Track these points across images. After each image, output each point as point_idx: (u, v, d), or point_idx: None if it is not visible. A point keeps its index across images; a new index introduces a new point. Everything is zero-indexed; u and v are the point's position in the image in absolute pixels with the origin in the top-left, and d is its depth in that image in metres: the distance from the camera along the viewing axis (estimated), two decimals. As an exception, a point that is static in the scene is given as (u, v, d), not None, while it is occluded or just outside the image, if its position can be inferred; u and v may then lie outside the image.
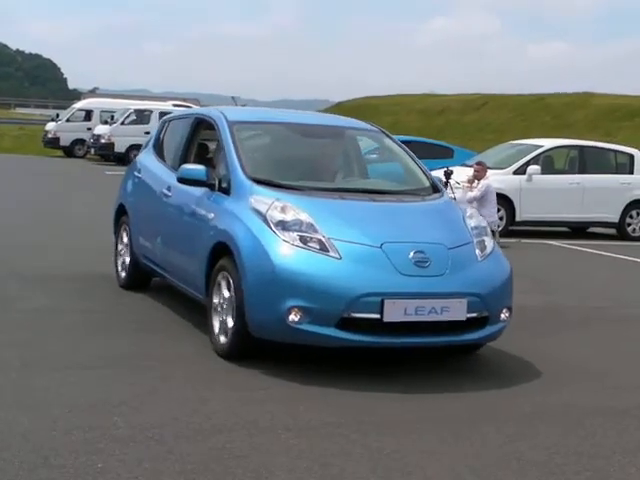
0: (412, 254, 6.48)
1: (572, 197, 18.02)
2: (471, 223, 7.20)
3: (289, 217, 6.62)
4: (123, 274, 9.44)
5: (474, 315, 6.59)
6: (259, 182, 7.12)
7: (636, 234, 18.61)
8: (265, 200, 6.82)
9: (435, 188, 7.78)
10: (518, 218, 17.16)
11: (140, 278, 9.25)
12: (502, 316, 6.88)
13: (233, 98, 12.07)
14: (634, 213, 18.66)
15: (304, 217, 6.63)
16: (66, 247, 12.19)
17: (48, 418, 5.22)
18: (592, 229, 19.13)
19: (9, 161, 32.33)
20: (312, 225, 6.57)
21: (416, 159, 8.33)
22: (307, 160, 8.06)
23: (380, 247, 6.50)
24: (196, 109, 9.28)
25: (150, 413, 5.50)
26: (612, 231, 18.84)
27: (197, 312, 7.93)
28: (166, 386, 6.13)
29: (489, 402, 6.29)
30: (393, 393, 6.25)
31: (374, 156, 10.49)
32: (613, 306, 10.65)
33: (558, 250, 16.29)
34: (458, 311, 6.49)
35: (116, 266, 9.63)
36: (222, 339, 6.87)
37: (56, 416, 5.26)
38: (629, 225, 18.65)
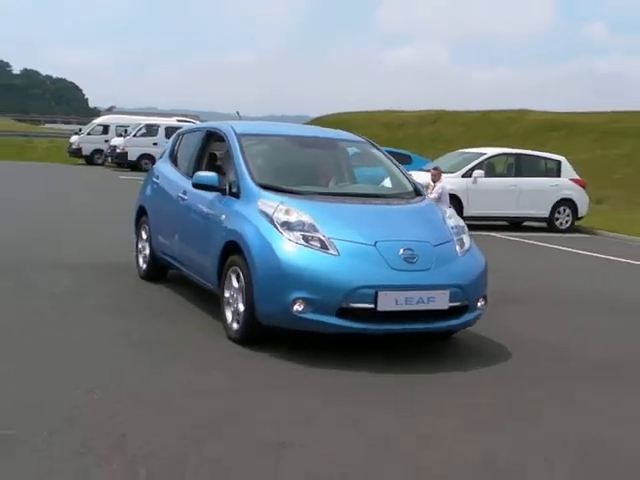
0: (402, 251, 6.09)
1: (510, 196, 18.00)
2: (451, 223, 6.81)
3: (293, 218, 6.22)
4: (143, 266, 8.96)
5: (456, 304, 6.22)
6: (265, 187, 6.71)
7: (563, 227, 18.61)
8: (271, 203, 6.41)
9: (417, 192, 7.35)
10: (465, 214, 16.80)
11: (158, 270, 8.77)
12: (479, 304, 6.49)
13: (237, 113, 11.64)
14: (561, 209, 18.64)
15: (306, 218, 6.22)
16: (86, 239, 11.93)
17: (74, 384, 5.14)
18: (526, 223, 19.02)
19: (40, 168, 32.16)
20: (313, 225, 6.17)
21: (400, 166, 7.93)
22: (305, 167, 7.63)
23: (374, 245, 6.10)
24: (207, 123, 8.72)
25: (161, 379, 5.41)
26: (543, 225, 18.72)
27: (208, 300, 7.52)
28: (176, 359, 5.94)
29: (462, 371, 6.08)
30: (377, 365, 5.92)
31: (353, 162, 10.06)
32: (546, 287, 10.46)
33: (499, 241, 16.07)
34: (442, 301, 6.11)
35: (137, 259, 9.17)
36: (234, 326, 6.47)
37: (81, 382, 5.18)
38: (557, 219, 18.64)
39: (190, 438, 4.34)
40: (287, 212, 6.25)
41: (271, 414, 4.83)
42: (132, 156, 32.82)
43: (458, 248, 6.49)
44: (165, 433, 4.38)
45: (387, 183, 7.98)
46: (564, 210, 18.57)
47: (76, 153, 37.24)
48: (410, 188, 7.39)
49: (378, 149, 8.13)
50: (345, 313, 5.90)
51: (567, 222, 18.59)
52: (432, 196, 13.97)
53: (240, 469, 4.01)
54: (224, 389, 5.27)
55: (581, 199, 18.73)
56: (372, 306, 5.87)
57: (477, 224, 16.98)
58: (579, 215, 18.72)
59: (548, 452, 4.50)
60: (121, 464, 3.93)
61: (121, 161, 33.38)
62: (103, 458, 3.98)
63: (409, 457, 4.33)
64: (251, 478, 3.94)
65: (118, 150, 33.32)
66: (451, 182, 16.51)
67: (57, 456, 3.97)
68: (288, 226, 6.15)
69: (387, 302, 5.90)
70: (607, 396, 5.71)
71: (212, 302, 7.22)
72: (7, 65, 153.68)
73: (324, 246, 6.04)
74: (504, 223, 18.53)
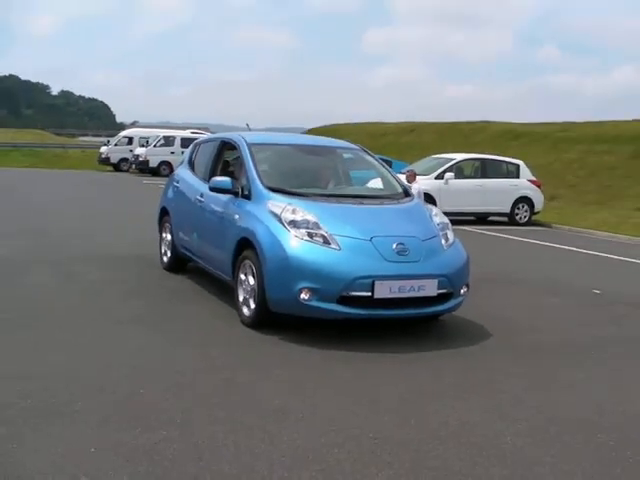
0: (395, 245, 5.85)
1: (476, 195, 17.74)
2: (437, 220, 6.56)
3: (299, 217, 5.96)
4: (165, 259, 8.68)
5: (442, 291, 5.99)
6: (273, 190, 6.44)
7: (522, 221, 18.35)
8: (279, 204, 6.15)
9: (406, 193, 7.06)
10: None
11: (179, 263, 8.47)
12: (462, 291, 6.26)
13: (247, 125, 11.43)
14: (520, 206, 18.39)
15: (310, 217, 5.96)
16: (113, 234, 11.79)
17: (104, 359, 5.07)
18: (491, 218, 18.71)
19: (75, 174, 32.10)
20: (317, 223, 5.92)
21: (390, 170, 7.66)
22: (308, 172, 7.33)
23: (370, 240, 5.85)
24: (221, 134, 8.45)
25: (176, 356, 5.24)
26: (505, 219, 18.44)
27: (223, 289, 7.27)
28: (189, 337, 5.82)
29: (443, 349, 5.76)
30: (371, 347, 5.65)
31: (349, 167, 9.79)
32: (509, 272, 10.32)
33: (468, 234, 15.69)
34: (431, 289, 5.88)
35: (160, 253, 8.87)
36: (246, 312, 6.20)
37: (109, 357, 5.11)
38: (517, 215, 18.38)
39: (202, 405, 4.24)
40: (293, 212, 6.00)
41: (273, 384, 4.70)
42: (153, 163, 32.50)
43: (443, 242, 6.26)
44: (181, 401, 4.30)
45: (372, 184, 7.75)
46: (523, 206, 18.34)
47: (105, 161, 36.84)
48: (400, 189, 7.12)
49: (370, 155, 7.85)
50: (345, 301, 5.67)
51: (525, 217, 18.37)
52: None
53: (248, 429, 3.93)
54: (232, 365, 5.08)
55: (537, 197, 18.52)
56: (369, 294, 5.64)
57: (449, 219, 16.87)
58: (535, 211, 18.50)
59: (514, 414, 4.38)
60: (143, 428, 3.85)
61: (143, 168, 32.97)
62: (129, 423, 3.91)
63: (395, 418, 4.24)
64: (258, 436, 3.83)
65: (141, 158, 32.99)
66: (425, 183, 16.35)
67: (90, 421, 3.93)
68: (295, 224, 5.90)
69: (383, 290, 5.66)
70: (557, 367, 5.56)
71: (227, 291, 6.96)
72: (47, 87, 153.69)
73: (327, 241, 5.79)
74: (472, 218, 18.22)
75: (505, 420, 4.30)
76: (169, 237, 8.50)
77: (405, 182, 14.05)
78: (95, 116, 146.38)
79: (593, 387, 5.12)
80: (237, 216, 6.52)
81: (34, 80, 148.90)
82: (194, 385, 4.60)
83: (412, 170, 15.52)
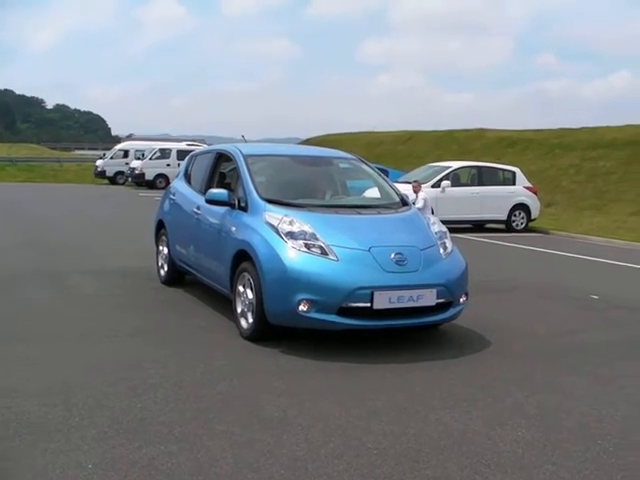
0: (393, 255, 5.83)
1: (473, 203, 17.74)
2: (435, 229, 6.55)
3: (296, 228, 5.94)
4: (162, 272, 8.66)
5: (441, 301, 5.97)
6: (270, 201, 6.41)
7: (518, 228, 18.32)
8: (276, 216, 6.12)
9: (404, 202, 7.06)
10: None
11: (176, 276, 8.44)
12: (461, 300, 6.24)
13: (243, 137, 11.35)
14: (517, 213, 18.37)
15: (307, 228, 5.94)
16: (110, 248, 11.80)
17: (101, 373, 5.05)
18: (488, 225, 18.70)
19: (71, 188, 32.00)
20: (314, 234, 5.89)
21: (387, 180, 7.67)
22: (305, 183, 7.30)
23: (368, 250, 5.83)
24: (217, 146, 8.43)
25: (174, 367, 5.25)
26: (502, 226, 18.43)
27: (220, 302, 7.23)
28: (187, 349, 5.79)
29: (442, 358, 5.70)
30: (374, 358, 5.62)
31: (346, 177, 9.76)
32: (507, 279, 10.39)
33: (466, 241, 15.67)
34: (429, 298, 5.86)
35: (157, 267, 8.85)
36: (245, 325, 6.18)
37: (107, 371, 5.09)
38: (513, 221, 18.37)
39: (201, 419, 4.23)
40: (290, 223, 5.97)
41: (272, 397, 4.68)
42: (149, 176, 32.38)
43: (442, 251, 6.24)
44: (179, 415, 4.29)
45: (369, 193, 7.72)
46: (519, 213, 18.32)
47: (101, 175, 36.71)
48: (397, 199, 7.11)
49: (367, 165, 7.83)
50: (345, 312, 5.63)
51: (522, 223, 18.35)
52: (418, 205, 13.74)
53: (247, 442, 3.90)
54: (231, 378, 5.05)
55: (533, 204, 18.52)
56: (369, 305, 5.62)
57: (446, 227, 16.89)
58: (532, 217, 18.49)
59: (513, 422, 4.38)
60: (142, 443, 3.82)
61: (139, 181, 32.89)
62: (127, 438, 3.87)
63: (395, 428, 4.21)
64: (257, 449, 3.82)
65: (137, 171, 32.90)
66: (424, 191, 16.32)
67: (87, 436, 3.90)
68: (292, 235, 5.87)
69: (382, 301, 5.64)
70: (557, 374, 5.53)
71: (225, 304, 6.94)
72: (42, 101, 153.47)
73: (324, 252, 5.76)
74: (469, 226, 18.20)
75: (505, 428, 4.30)
76: (166, 250, 8.47)
77: (403, 192, 14.15)
78: (91, 129, 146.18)
79: (592, 392, 5.11)
80: (234, 228, 6.50)
81: (29, 95, 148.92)
82: (193, 398, 4.58)
83: (418, 180, 15.41)
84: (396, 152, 36.45)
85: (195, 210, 7.57)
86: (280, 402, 4.59)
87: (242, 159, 7.07)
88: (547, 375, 5.49)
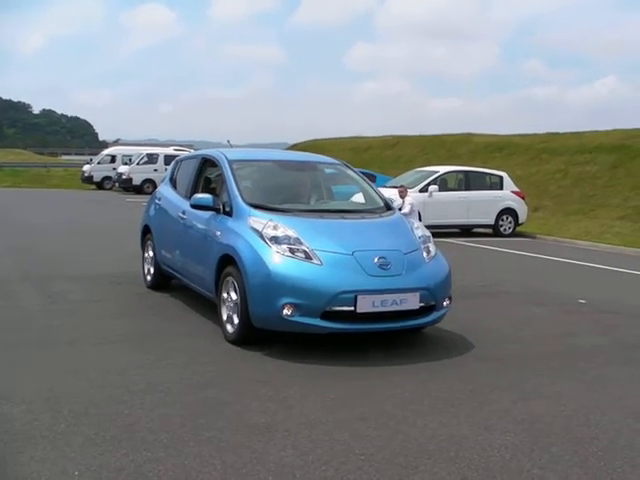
0: (376, 259, 5.83)
1: (461, 207, 17.84)
2: (418, 233, 6.55)
3: (280, 233, 5.92)
4: (149, 277, 8.62)
5: (424, 304, 5.96)
6: (255, 206, 6.40)
7: (506, 232, 18.42)
8: (261, 220, 6.11)
9: (388, 207, 7.05)
10: (423, 223, 16.61)
11: (162, 281, 8.41)
12: (444, 303, 6.23)
13: (228, 142, 11.28)
14: (504, 217, 18.47)
15: (291, 233, 5.93)
16: (97, 253, 11.75)
17: (87, 379, 5.01)
18: (475, 229, 18.78)
19: (57, 194, 31.85)
20: (298, 239, 5.88)
21: (371, 184, 7.66)
22: (289, 187, 7.30)
23: (352, 254, 5.82)
24: (202, 151, 8.40)
25: (161, 373, 5.21)
26: (489, 230, 18.50)
27: (206, 306, 7.22)
28: (173, 355, 5.73)
29: (428, 362, 5.73)
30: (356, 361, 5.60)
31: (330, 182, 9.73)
32: (494, 283, 10.40)
33: (453, 246, 15.78)
34: (413, 302, 5.85)
35: (143, 271, 8.81)
36: (230, 329, 6.15)
37: (93, 378, 5.05)
38: (501, 226, 18.45)
39: (188, 425, 4.18)
40: (275, 228, 5.96)
41: (259, 402, 4.65)
42: (136, 181, 32.37)
43: (425, 255, 6.23)
44: (166, 421, 4.22)
45: (355, 198, 7.72)
46: (507, 218, 18.42)
47: (88, 180, 36.58)
48: (381, 203, 7.11)
49: (352, 170, 7.84)
50: (329, 315, 5.62)
51: (510, 228, 18.44)
52: (404, 211, 13.72)
53: (234, 447, 3.87)
54: (217, 383, 5.02)
55: (521, 208, 18.61)
56: (352, 308, 5.61)
57: (433, 232, 16.84)
58: (519, 222, 18.58)
59: (501, 427, 4.34)
60: (128, 450, 3.78)
61: (127, 186, 32.85)
62: (113, 445, 3.83)
63: (383, 433, 4.18)
64: (245, 455, 3.78)
65: (124, 176, 32.83)
66: (410, 196, 16.36)
67: (73, 443, 3.85)
68: (276, 240, 5.86)
69: (365, 305, 5.63)
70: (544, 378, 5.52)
71: (210, 308, 6.90)
72: (28, 106, 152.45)
73: (308, 257, 5.75)
74: (456, 230, 18.29)
75: (493, 433, 4.27)
76: (152, 255, 8.44)
77: (389, 196, 14.16)
78: (78, 134, 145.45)
79: (579, 397, 5.10)
80: (219, 233, 6.48)
81: (15, 99, 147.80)
82: (179, 404, 4.54)
83: (404, 185, 15.47)
84: (383, 157, 36.51)
85: (180, 215, 7.54)
86: (267, 407, 4.55)
87: (227, 164, 7.05)
88: (534, 379, 5.47)
